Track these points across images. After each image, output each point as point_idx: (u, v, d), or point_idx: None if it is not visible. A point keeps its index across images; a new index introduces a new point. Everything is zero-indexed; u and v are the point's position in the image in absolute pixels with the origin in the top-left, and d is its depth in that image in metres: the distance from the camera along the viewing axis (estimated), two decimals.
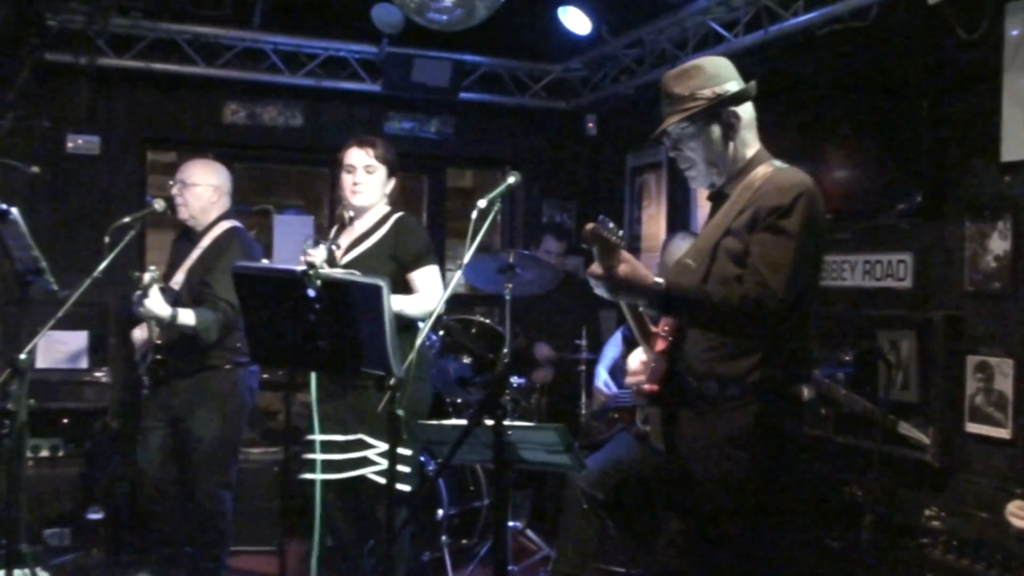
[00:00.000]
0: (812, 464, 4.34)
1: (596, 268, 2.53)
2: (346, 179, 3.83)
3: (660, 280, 2.52)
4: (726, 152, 2.71)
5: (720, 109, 2.68)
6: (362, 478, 3.69)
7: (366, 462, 3.69)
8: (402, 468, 3.66)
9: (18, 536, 3.66)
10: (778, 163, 2.73)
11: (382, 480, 3.62)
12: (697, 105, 2.67)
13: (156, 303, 3.82)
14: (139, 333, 4.19)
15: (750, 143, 2.75)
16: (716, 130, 2.70)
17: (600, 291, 2.58)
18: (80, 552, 4.93)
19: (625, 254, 2.53)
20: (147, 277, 3.74)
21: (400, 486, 3.64)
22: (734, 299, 2.50)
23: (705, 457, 2.63)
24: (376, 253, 3.77)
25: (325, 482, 3.64)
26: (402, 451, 3.64)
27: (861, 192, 4.39)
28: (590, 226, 2.48)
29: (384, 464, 3.64)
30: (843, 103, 4.48)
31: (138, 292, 3.79)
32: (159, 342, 4.06)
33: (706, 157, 2.72)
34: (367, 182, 3.80)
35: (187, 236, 4.31)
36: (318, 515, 3.58)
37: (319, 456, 3.62)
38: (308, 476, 3.69)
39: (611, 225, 2.48)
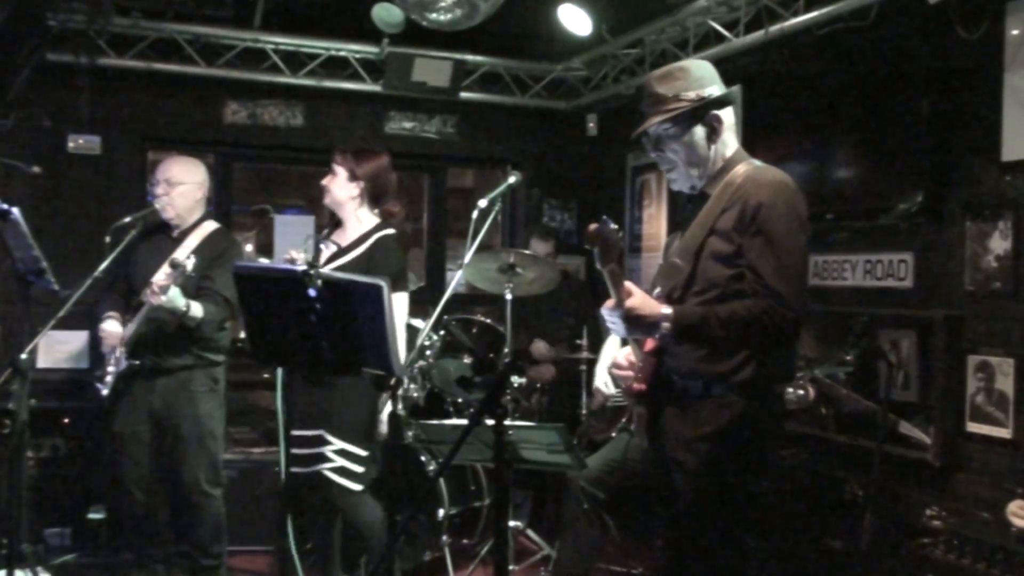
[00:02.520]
0: (813, 464, 4.34)
1: (610, 302, 2.59)
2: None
3: (668, 311, 2.58)
4: (708, 155, 2.75)
5: (703, 112, 2.71)
6: (318, 476, 3.75)
7: (322, 458, 3.74)
8: (354, 467, 3.75)
9: (19, 536, 3.67)
10: (757, 162, 2.78)
11: (336, 477, 3.74)
12: (680, 107, 2.70)
13: (177, 294, 3.86)
14: (109, 326, 4.13)
15: (730, 144, 2.79)
16: (699, 132, 2.73)
17: (617, 329, 2.64)
18: (80, 552, 4.94)
19: (633, 287, 2.57)
20: (190, 264, 3.74)
21: (351, 484, 3.75)
22: (743, 312, 2.55)
23: (685, 451, 2.69)
24: (351, 269, 3.79)
25: (295, 477, 3.72)
26: (356, 450, 3.74)
27: (862, 192, 4.39)
28: (593, 226, 2.51)
29: (339, 461, 3.74)
30: (843, 103, 4.48)
31: (161, 282, 3.78)
32: (138, 334, 4.04)
33: (687, 159, 2.75)
34: (329, 184, 3.95)
35: (162, 234, 4.28)
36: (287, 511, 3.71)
37: (283, 451, 3.69)
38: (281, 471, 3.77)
39: (613, 226, 2.51)
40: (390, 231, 3.93)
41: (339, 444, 3.73)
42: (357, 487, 3.77)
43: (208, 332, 4.10)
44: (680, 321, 2.57)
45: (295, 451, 3.74)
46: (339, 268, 3.81)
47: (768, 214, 2.58)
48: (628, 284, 2.58)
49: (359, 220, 3.97)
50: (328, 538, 4.00)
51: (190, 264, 3.73)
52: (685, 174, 2.78)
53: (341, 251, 3.90)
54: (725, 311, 2.56)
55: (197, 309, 3.99)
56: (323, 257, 3.86)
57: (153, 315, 3.98)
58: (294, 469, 3.73)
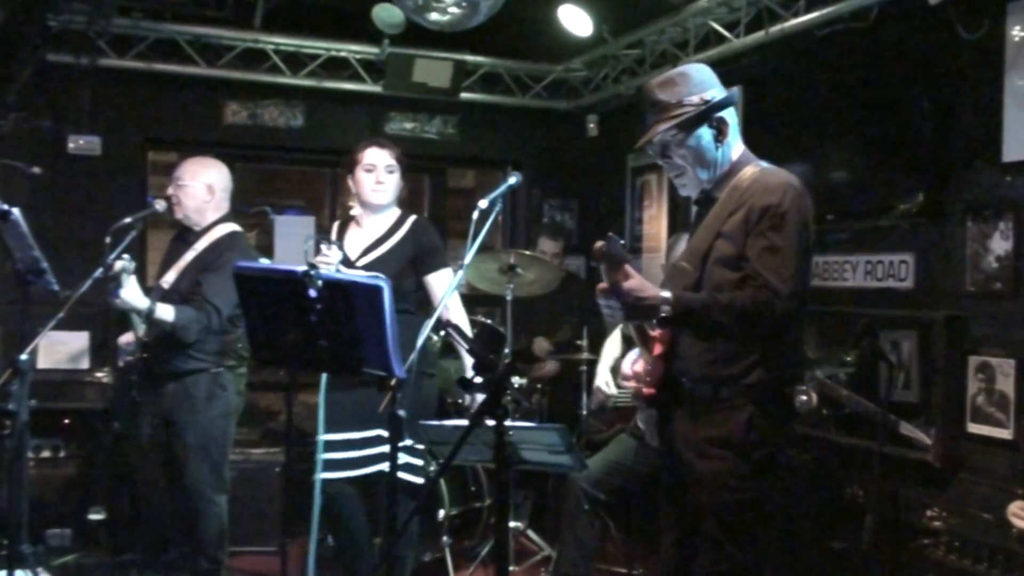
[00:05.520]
0: (813, 464, 4.34)
1: (604, 285, 2.56)
2: (365, 177, 3.90)
3: (667, 294, 2.56)
4: (716, 157, 2.75)
5: (709, 115, 2.71)
6: (379, 475, 3.74)
7: (384, 457, 3.72)
8: (414, 461, 3.78)
9: (19, 537, 3.67)
10: (764, 163, 2.79)
11: (403, 474, 3.73)
12: (686, 112, 2.70)
13: (132, 293, 3.78)
14: (125, 339, 4.14)
15: (735, 146, 2.80)
16: (706, 136, 2.73)
17: (615, 316, 2.61)
18: (81, 552, 4.94)
19: (630, 270, 2.55)
20: (118, 265, 3.70)
21: (412, 478, 3.77)
22: (744, 300, 2.55)
23: (696, 456, 2.68)
24: (396, 255, 3.86)
25: (340, 480, 3.73)
26: (416, 444, 3.76)
27: (862, 192, 4.39)
28: (599, 244, 2.50)
29: (405, 458, 3.76)
30: (843, 103, 4.48)
31: (112, 282, 3.77)
32: (146, 340, 4.03)
33: (697, 163, 2.75)
34: (388, 181, 3.91)
35: (184, 237, 4.29)
36: (316, 514, 3.66)
37: (328, 455, 3.70)
38: (326, 476, 3.73)
39: (620, 242, 2.51)
40: (417, 216, 4.00)
41: (403, 442, 3.71)
42: (420, 481, 3.79)
43: (186, 337, 3.98)
44: (680, 304, 2.55)
45: (345, 455, 3.73)
46: (384, 255, 3.84)
47: (773, 217, 2.58)
48: (627, 268, 2.56)
49: (387, 215, 3.98)
50: (361, 538, 3.97)
51: (118, 265, 3.72)
52: (695, 178, 2.78)
53: (376, 242, 3.90)
54: (726, 298, 2.56)
55: (165, 312, 3.90)
56: (338, 256, 3.84)
57: (146, 320, 3.96)
58: (342, 474, 3.72)
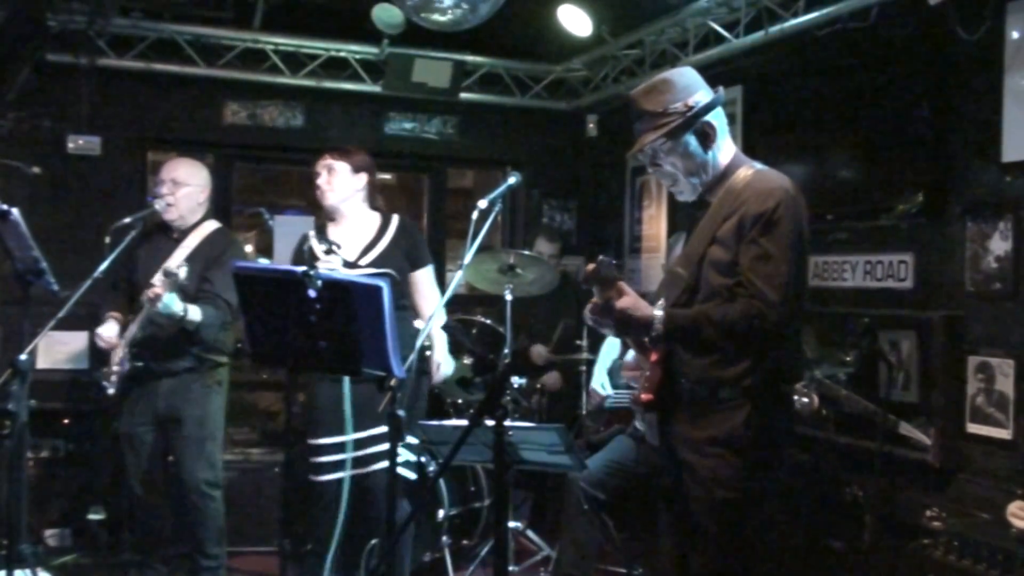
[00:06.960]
0: (813, 464, 4.34)
1: (596, 301, 2.59)
2: (317, 185, 4.04)
3: (659, 312, 2.59)
4: (706, 161, 2.75)
5: (694, 121, 2.70)
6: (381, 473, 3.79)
7: (383, 456, 3.78)
8: (411, 456, 3.86)
9: (19, 537, 3.67)
10: (757, 165, 2.78)
11: (404, 470, 3.83)
12: (671, 120, 2.69)
13: (172, 300, 3.86)
14: (105, 331, 4.12)
15: (726, 148, 2.78)
16: (693, 142, 2.72)
17: (607, 330, 2.67)
18: (80, 552, 4.94)
19: (624, 287, 2.56)
20: (183, 273, 3.75)
21: (407, 473, 3.85)
22: (734, 315, 2.56)
23: (695, 455, 2.69)
24: (395, 252, 3.96)
25: (363, 478, 3.83)
26: (413, 440, 3.83)
27: (862, 192, 4.39)
28: (591, 267, 2.52)
29: (405, 455, 3.83)
30: (843, 103, 4.48)
31: (155, 290, 3.80)
32: (139, 336, 4.04)
33: (687, 169, 2.75)
34: (330, 182, 4.00)
35: (163, 234, 4.28)
36: (342, 515, 3.81)
37: (349, 455, 3.81)
38: (332, 476, 3.81)
39: (614, 262, 2.54)
40: (399, 216, 4.09)
41: (407, 438, 3.81)
42: (411, 476, 3.89)
43: (209, 335, 4.09)
44: (672, 322, 2.58)
45: (362, 453, 3.80)
46: (382, 254, 3.92)
47: (766, 224, 2.57)
48: (621, 284, 2.58)
49: (363, 216, 4.03)
50: (331, 538, 4.00)
51: (183, 273, 3.75)
52: (687, 185, 2.78)
53: (370, 244, 3.96)
54: (717, 314, 2.57)
55: (195, 313, 3.98)
56: (337, 258, 3.87)
57: (153, 319, 3.98)
58: (355, 471, 3.81)
